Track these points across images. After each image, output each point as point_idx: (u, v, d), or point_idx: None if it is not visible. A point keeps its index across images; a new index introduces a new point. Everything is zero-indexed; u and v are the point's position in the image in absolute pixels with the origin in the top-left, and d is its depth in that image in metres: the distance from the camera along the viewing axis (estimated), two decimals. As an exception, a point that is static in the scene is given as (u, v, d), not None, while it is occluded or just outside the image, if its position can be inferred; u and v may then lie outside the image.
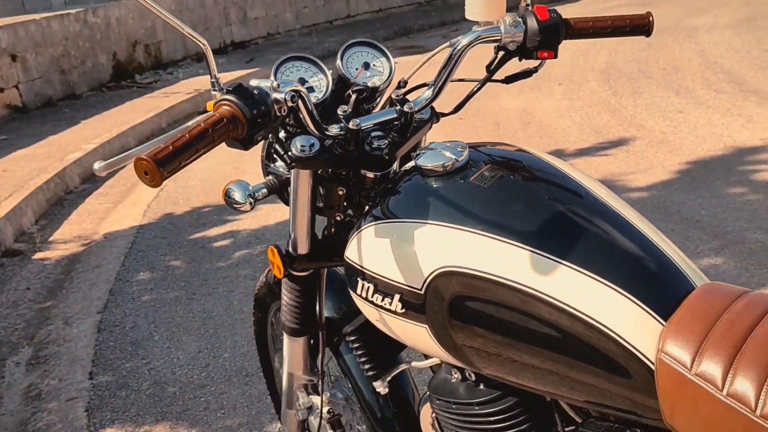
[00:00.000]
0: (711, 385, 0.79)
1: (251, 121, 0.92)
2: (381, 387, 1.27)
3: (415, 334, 1.03)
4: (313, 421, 1.52)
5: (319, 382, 1.44)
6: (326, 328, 1.38)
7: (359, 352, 1.30)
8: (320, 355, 1.39)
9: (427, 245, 0.98)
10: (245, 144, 0.94)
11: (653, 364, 0.84)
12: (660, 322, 0.85)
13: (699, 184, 3.68)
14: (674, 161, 4.05)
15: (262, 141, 1.29)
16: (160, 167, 0.82)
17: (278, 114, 0.97)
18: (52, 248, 3.82)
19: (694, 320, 0.83)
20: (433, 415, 1.23)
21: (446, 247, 0.96)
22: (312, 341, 1.44)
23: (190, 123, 0.89)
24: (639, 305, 0.86)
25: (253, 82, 0.98)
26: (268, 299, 1.67)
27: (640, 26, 1.18)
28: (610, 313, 0.87)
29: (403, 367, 1.29)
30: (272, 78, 1.05)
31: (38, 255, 3.74)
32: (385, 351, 1.29)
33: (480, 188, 0.99)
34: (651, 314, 0.86)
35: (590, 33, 1.17)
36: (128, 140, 5.69)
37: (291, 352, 1.43)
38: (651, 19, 1.19)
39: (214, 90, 0.98)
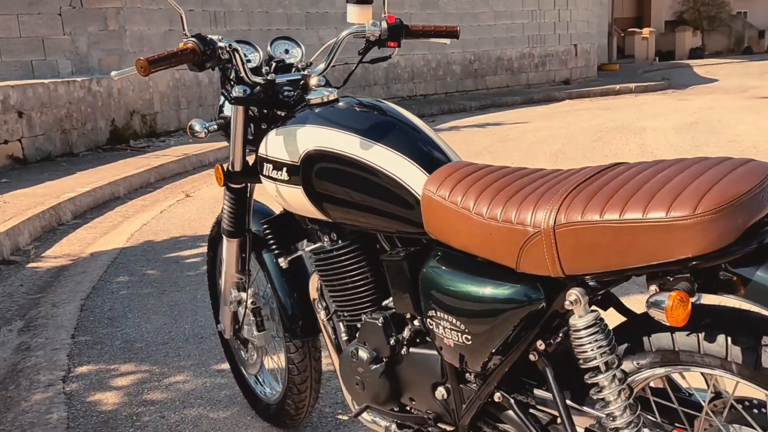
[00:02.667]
0: (443, 199, 1.41)
1: (203, 53, 1.58)
2: (284, 263, 1.87)
3: (294, 196, 1.65)
4: (241, 311, 2.10)
5: (247, 279, 2.04)
6: (251, 241, 1.99)
7: (269, 237, 1.89)
8: (246, 255, 2.00)
9: (302, 136, 1.62)
10: (199, 67, 1.59)
11: (420, 196, 1.47)
12: (426, 174, 1.48)
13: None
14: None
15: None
16: (150, 65, 1.47)
17: (221, 56, 1.64)
18: (44, 261, 4.38)
19: (442, 173, 1.46)
20: (319, 281, 1.83)
21: (313, 136, 1.60)
22: (243, 255, 2.04)
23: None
24: (418, 167, 1.50)
25: (211, 36, 1.65)
26: (217, 238, 2.27)
27: (452, 32, 1.88)
28: (401, 171, 1.50)
29: (299, 252, 1.89)
30: (219, 37, 1.72)
31: (31, 265, 4.29)
32: (288, 239, 1.90)
33: (339, 109, 1.64)
34: (423, 171, 1.49)
35: (421, 34, 1.87)
36: (118, 188, 6.33)
37: (228, 253, 2.03)
38: (458, 29, 1.89)
39: (185, 38, 1.64)
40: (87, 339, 3.06)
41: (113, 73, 1.69)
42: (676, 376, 1.39)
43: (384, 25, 1.80)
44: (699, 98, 12.81)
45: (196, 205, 5.67)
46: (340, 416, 2.31)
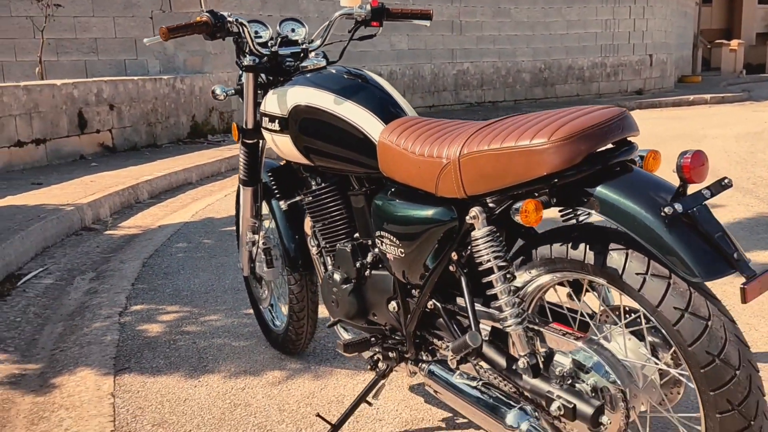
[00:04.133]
0: (391, 143, 1.79)
1: (214, 25, 2.01)
2: (284, 205, 2.28)
3: (285, 144, 2.05)
4: (254, 251, 2.52)
5: (259, 223, 2.46)
6: (262, 190, 2.42)
7: (273, 183, 2.31)
8: (259, 203, 2.42)
9: (291, 94, 2.03)
10: (211, 37, 2.03)
11: (376, 141, 1.84)
12: (383, 125, 1.86)
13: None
14: (618, 210, 4.95)
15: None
16: (169, 32, 1.91)
17: (230, 29, 2.06)
18: (119, 230, 4.97)
19: (395, 124, 1.84)
20: (311, 222, 2.23)
21: (299, 94, 2.01)
22: (256, 204, 2.46)
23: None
24: (377, 119, 1.88)
25: (223, 13, 2.08)
26: (244, 194, 2.70)
27: (425, 15, 2.25)
28: (363, 121, 1.89)
29: (297, 198, 2.29)
30: (229, 14, 2.14)
31: (108, 232, 4.88)
32: (289, 187, 2.30)
33: (324, 74, 2.05)
34: (381, 122, 1.87)
35: (400, 16, 2.24)
36: (191, 175, 6.93)
37: (243, 200, 2.46)
38: (432, 12, 2.25)
39: (201, 13, 2.07)
40: (144, 287, 3.56)
41: (145, 40, 2.15)
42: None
43: (368, 8, 2.19)
44: (776, 110, 12.58)
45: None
46: (338, 350, 2.70)
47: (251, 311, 3.08)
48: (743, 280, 1.34)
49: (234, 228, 4.83)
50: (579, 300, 1.65)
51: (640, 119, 11.58)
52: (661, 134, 9.45)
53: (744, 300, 1.32)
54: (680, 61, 18.81)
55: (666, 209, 1.34)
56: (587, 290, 1.65)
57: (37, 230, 4.29)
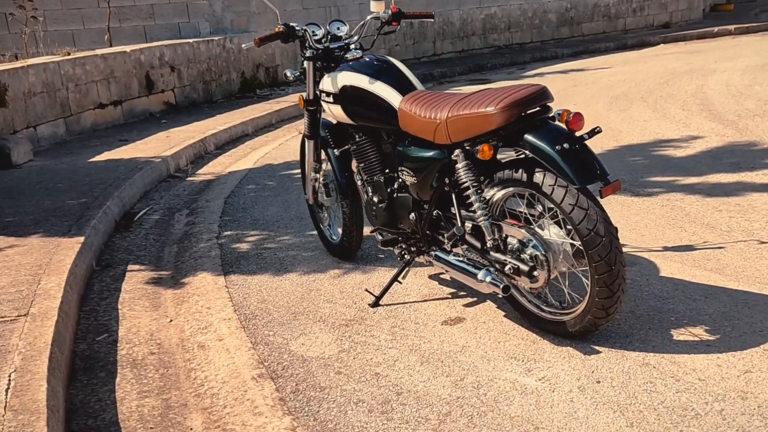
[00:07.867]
0: (407, 109, 2.79)
1: (286, 33, 3.03)
2: (337, 152, 3.31)
3: (337, 111, 3.08)
4: (316, 185, 3.57)
5: (320, 165, 3.50)
6: (320, 141, 3.45)
7: (329, 137, 3.33)
8: (318, 151, 3.46)
9: (340, 77, 3.04)
10: (285, 41, 3.03)
11: (397, 108, 2.85)
12: (402, 96, 2.86)
13: (616, 155, 5.49)
14: (611, 145, 5.85)
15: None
16: (260, 41, 2.94)
17: (297, 34, 3.07)
18: (198, 176, 6.07)
19: (409, 96, 2.84)
20: (356, 163, 3.26)
21: (345, 77, 3.03)
22: (317, 151, 3.50)
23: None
24: (397, 93, 2.89)
25: (292, 23, 3.08)
26: (304, 141, 3.73)
27: (430, 15, 3.22)
28: (388, 95, 2.90)
29: (347, 146, 3.31)
30: (296, 24, 3.13)
31: (189, 178, 5.99)
32: (340, 139, 3.33)
33: (361, 62, 3.05)
34: (400, 95, 2.87)
35: (411, 17, 3.20)
36: (248, 127, 7.98)
37: (308, 149, 3.49)
38: (433, 12, 3.22)
39: (278, 25, 3.07)
40: (229, 218, 4.66)
41: (243, 45, 3.16)
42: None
43: (390, 12, 3.16)
44: (797, 40, 13.00)
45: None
46: (379, 255, 3.75)
47: (314, 232, 4.14)
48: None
49: (295, 171, 5.91)
50: (524, 206, 2.65)
51: (661, 54, 12.23)
52: (675, 69, 10.14)
53: (601, 196, 2.32)
54: (710, -10, 19.00)
55: (557, 146, 2.32)
56: (528, 200, 2.65)
57: (139, 178, 5.41)
